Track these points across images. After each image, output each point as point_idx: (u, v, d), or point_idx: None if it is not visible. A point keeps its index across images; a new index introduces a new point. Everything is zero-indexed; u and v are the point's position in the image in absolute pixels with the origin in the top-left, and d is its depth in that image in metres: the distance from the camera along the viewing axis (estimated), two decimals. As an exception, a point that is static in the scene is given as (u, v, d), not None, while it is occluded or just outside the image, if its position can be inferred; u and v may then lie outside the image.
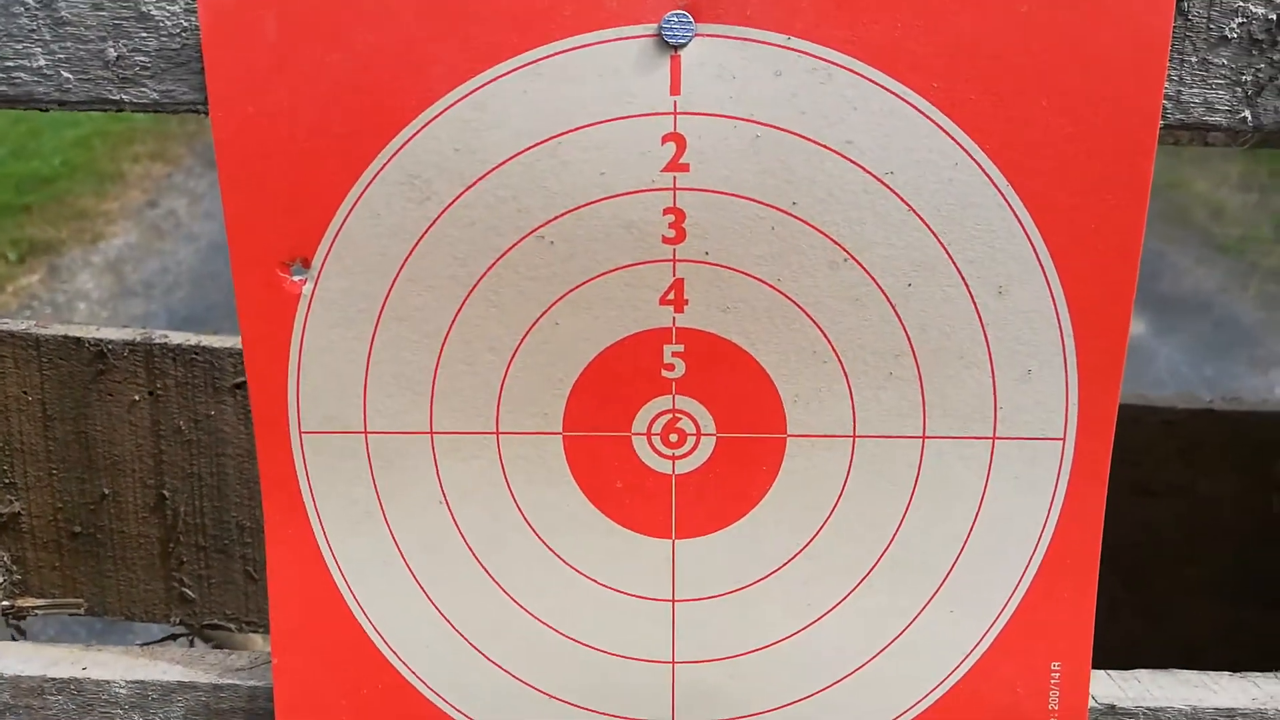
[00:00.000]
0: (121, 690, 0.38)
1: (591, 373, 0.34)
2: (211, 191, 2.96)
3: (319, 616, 0.36)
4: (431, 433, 0.35)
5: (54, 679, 0.39)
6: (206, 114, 0.32)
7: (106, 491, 0.57)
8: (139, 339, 0.55)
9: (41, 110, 0.34)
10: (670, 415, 0.34)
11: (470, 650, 0.36)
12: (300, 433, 0.35)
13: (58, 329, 0.56)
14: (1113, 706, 0.37)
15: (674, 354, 0.34)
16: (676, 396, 0.34)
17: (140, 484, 0.57)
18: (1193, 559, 0.59)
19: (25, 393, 0.56)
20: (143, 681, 0.38)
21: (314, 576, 0.36)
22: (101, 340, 0.55)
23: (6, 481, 0.57)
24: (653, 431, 0.34)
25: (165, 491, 0.57)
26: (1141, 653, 0.43)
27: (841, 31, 0.30)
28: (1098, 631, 0.36)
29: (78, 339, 0.55)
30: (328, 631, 0.36)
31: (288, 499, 0.35)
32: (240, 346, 0.53)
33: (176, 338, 0.55)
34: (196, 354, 0.54)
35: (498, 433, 0.35)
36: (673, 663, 0.36)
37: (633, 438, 0.34)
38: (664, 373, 0.34)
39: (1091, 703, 0.37)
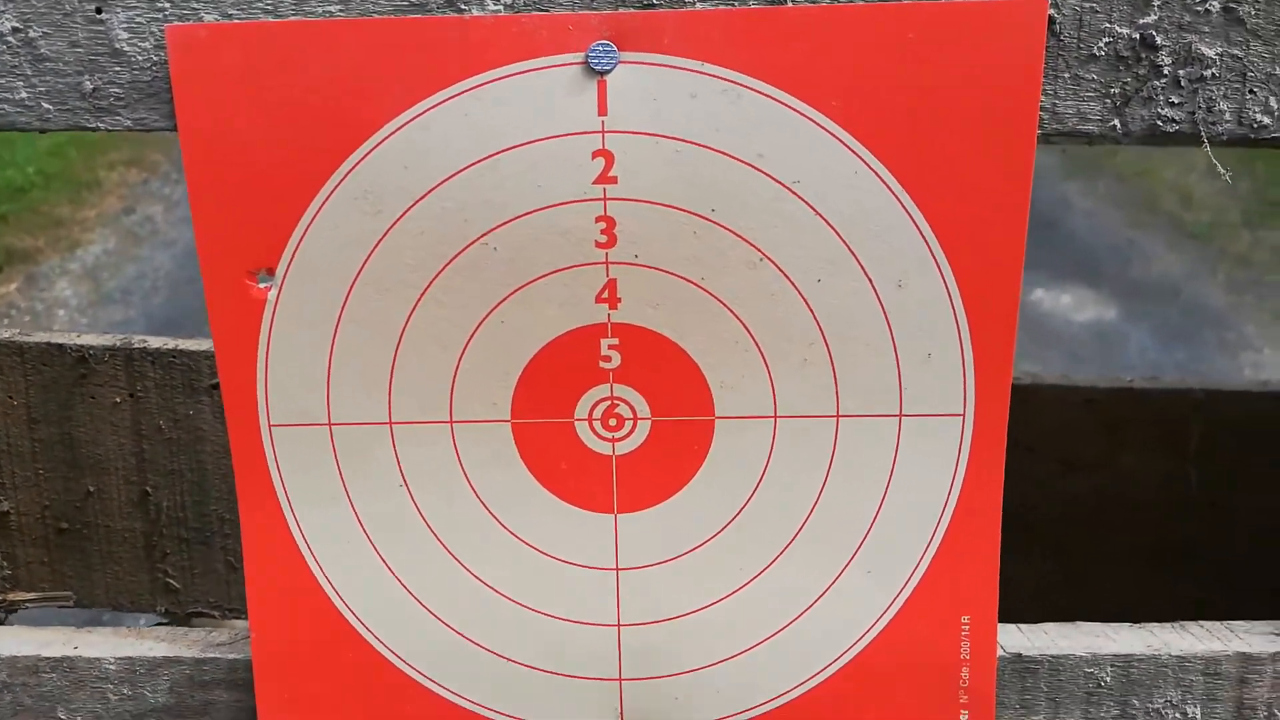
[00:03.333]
0: (111, 666, 0.41)
1: (536, 365, 0.37)
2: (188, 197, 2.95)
3: (291, 592, 0.39)
4: (390, 423, 0.38)
5: (48, 658, 0.41)
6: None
7: (91, 489, 0.60)
8: (119, 344, 0.57)
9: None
10: (609, 402, 0.38)
11: (430, 619, 0.40)
12: (270, 425, 0.38)
13: (40, 336, 0.58)
14: (1019, 655, 0.41)
15: (610, 347, 0.37)
16: (614, 385, 0.38)
17: (124, 481, 0.59)
18: (1115, 528, 0.62)
19: (11, 397, 0.58)
20: (130, 658, 0.41)
21: (286, 556, 0.39)
22: (83, 346, 0.57)
23: (-5, 482, 0.59)
24: (594, 417, 0.38)
25: (148, 488, 0.60)
26: (1066, 618, 0.46)
27: (748, 57, 0.34)
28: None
29: (60, 345, 0.57)
30: (299, 605, 0.39)
31: (260, 487, 0.38)
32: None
33: (155, 342, 0.58)
34: (174, 357, 0.57)
35: (451, 421, 0.38)
36: (618, 625, 0.40)
37: (575, 423, 0.38)
38: (602, 364, 0.37)
39: (1000, 652, 0.40)
